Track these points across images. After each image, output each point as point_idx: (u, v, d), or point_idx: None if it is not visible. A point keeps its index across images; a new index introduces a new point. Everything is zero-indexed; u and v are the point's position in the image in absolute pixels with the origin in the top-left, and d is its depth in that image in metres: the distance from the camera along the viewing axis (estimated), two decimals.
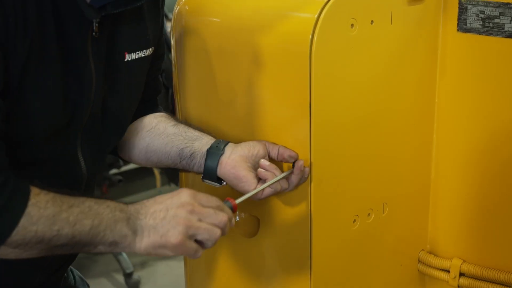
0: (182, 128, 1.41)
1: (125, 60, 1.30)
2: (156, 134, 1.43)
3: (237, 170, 1.28)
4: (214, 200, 1.16)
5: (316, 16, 1.22)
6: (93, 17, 1.20)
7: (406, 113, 1.43)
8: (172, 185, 3.52)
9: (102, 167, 1.42)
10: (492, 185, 1.46)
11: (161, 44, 1.43)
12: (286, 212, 1.36)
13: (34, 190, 1.07)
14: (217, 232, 1.13)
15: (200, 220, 1.12)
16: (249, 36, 1.34)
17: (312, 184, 1.29)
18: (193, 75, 1.49)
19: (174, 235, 1.09)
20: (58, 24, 1.16)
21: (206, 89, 1.46)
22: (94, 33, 1.22)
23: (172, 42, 1.53)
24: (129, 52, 1.30)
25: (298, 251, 1.35)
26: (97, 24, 1.22)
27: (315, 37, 1.21)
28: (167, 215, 1.11)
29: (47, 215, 1.06)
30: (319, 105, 1.25)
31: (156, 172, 3.64)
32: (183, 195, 1.13)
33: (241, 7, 1.39)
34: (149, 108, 1.49)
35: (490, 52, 1.38)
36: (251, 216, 1.44)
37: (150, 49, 1.36)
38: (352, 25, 1.26)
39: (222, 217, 1.14)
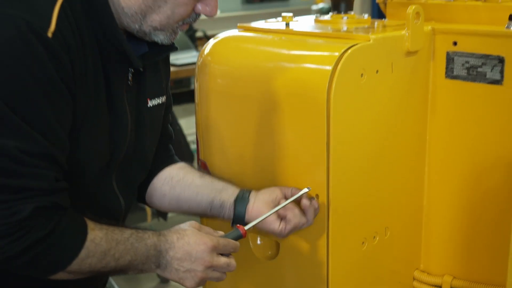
0: (208, 179, 1.62)
1: (148, 106, 1.50)
2: (186, 185, 1.62)
3: (262, 214, 1.49)
4: (229, 247, 1.39)
5: (332, 67, 1.43)
6: (139, 66, 1.40)
7: (405, 149, 1.66)
8: (161, 220, 3.68)
9: (134, 200, 1.61)
10: (476, 210, 1.69)
11: (169, 95, 1.63)
12: (304, 237, 1.55)
13: (90, 225, 1.27)
14: (225, 275, 1.40)
15: (214, 270, 1.37)
16: (269, 85, 1.54)
17: (330, 213, 1.49)
18: (216, 121, 1.68)
19: (190, 283, 1.37)
20: (106, 74, 1.35)
21: (229, 134, 1.66)
22: (129, 82, 1.42)
23: (196, 91, 1.72)
24: (151, 99, 1.51)
25: (315, 272, 1.55)
26: (131, 74, 1.41)
27: (333, 86, 1.43)
28: (189, 268, 1.35)
29: (100, 251, 1.27)
30: (336, 146, 1.46)
31: (147, 207, 3.80)
32: (206, 250, 1.35)
33: (262, 58, 1.60)
34: (171, 158, 1.69)
35: (474, 96, 1.62)
36: (272, 240, 1.63)
37: (164, 96, 1.57)
38: (362, 74, 1.49)
39: (232, 265, 1.39)
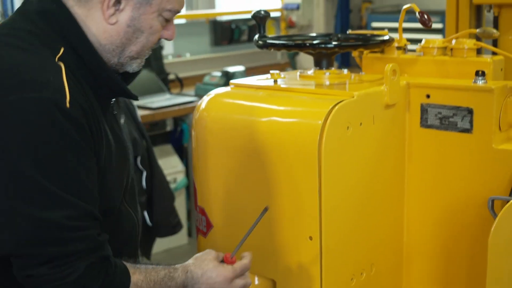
0: None
1: (121, 124, 1.65)
2: None
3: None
4: (245, 269, 1.57)
5: (322, 122, 1.60)
6: (136, 98, 1.56)
7: (386, 192, 1.82)
8: (145, 259, 3.78)
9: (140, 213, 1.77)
10: (451, 245, 1.86)
11: None
12: (300, 275, 1.70)
13: (131, 270, 1.44)
14: None
15: None
16: (263, 138, 1.70)
17: (322, 253, 1.64)
18: (213, 170, 1.83)
19: None
20: (104, 113, 1.49)
21: (226, 182, 1.80)
22: (113, 111, 1.57)
23: (193, 143, 1.87)
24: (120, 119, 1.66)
25: None
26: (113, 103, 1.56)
27: (323, 138, 1.59)
28: None
29: None
30: (327, 192, 1.62)
31: None
32: (226, 281, 1.54)
33: (255, 114, 1.75)
34: None
35: (447, 143, 1.80)
36: (268, 280, 1.77)
37: (123, 115, 1.72)
38: (348, 127, 1.65)
39: (248, 284, 1.57)
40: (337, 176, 1.65)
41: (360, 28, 6.37)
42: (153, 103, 4.22)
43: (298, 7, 5.94)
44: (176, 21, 4.57)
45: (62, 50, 1.39)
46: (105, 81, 1.46)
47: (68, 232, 1.33)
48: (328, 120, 1.60)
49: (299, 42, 1.94)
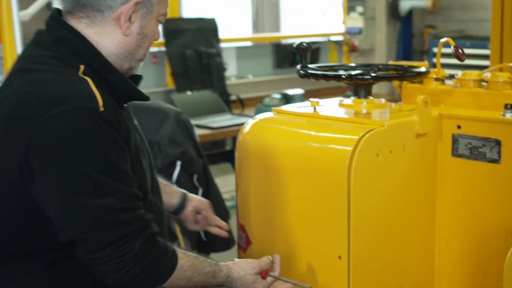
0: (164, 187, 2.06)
1: (135, 123, 1.85)
2: None
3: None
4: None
5: (352, 148, 1.71)
6: (148, 98, 1.76)
7: (417, 217, 1.92)
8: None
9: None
10: (480, 267, 1.93)
11: None
12: None
13: (180, 255, 1.68)
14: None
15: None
16: (299, 161, 1.83)
17: (350, 274, 1.75)
18: (253, 189, 1.96)
19: None
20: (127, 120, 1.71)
21: (264, 201, 1.94)
22: (125, 114, 1.75)
23: (236, 164, 2.01)
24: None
25: None
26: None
27: (353, 164, 1.71)
28: None
29: (186, 277, 1.68)
30: (356, 215, 1.73)
31: None
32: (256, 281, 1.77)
33: (293, 138, 1.88)
34: None
35: (476, 172, 1.88)
36: None
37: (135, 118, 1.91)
38: (377, 154, 1.76)
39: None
40: (367, 200, 1.76)
41: (422, 53, 6.43)
42: (214, 122, 4.40)
43: (360, 32, 6.05)
44: (242, 43, 4.87)
45: (82, 67, 1.61)
46: (121, 88, 1.68)
47: (122, 214, 1.56)
48: (358, 147, 1.71)
49: (337, 73, 2.05)
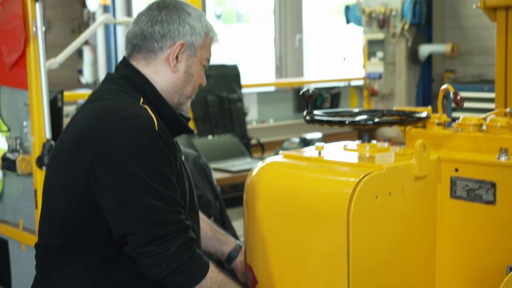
0: (216, 233, 2.36)
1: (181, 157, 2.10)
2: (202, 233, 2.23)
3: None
4: None
5: (351, 191, 1.80)
6: (193, 132, 2.12)
7: (416, 257, 1.99)
8: None
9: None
10: None
11: None
12: None
13: (212, 268, 1.90)
14: None
15: None
16: (301, 203, 1.92)
17: None
18: (259, 229, 2.05)
19: None
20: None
21: (269, 241, 2.03)
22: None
23: (244, 203, 2.11)
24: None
25: None
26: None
27: (352, 205, 1.79)
28: None
29: None
30: (355, 254, 1.81)
31: None
32: None
33: (296, 181, 1.98)
34: None
35: (473, 213, 1.95)
36: None
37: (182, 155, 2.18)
38: (376, 196, 1.85)
39: None
40: (366, 240, 1.84)
41: (442, 97, 6.50)
42: (234, 166, 4.51)
43: (380, 77, 6.17)
44: (265, 88, 5.11)
45: (141, 99, 1.96)
46: (171, 120, 1.99)
47: (167, 216, 1.84)
48: (357, 189, 1.80)
49: (340, 119, 2.15)
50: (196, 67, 2.03)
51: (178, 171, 1.94)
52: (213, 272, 1.90)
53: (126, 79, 1.99)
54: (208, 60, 2.08)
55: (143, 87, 1.98)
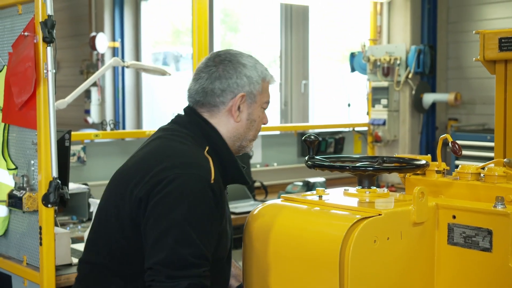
0: None
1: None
2: None
3: None
4: None
5: (344, 234, 1.84)
6: (249, 183, 2.23)
7: None
8: None
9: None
10: None
11: None
12: None
13: None
14: None
15: None
16: (297, 245, 1.96)
17: None
18: (256, 271, 2.09)
19: None
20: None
21: (265, 279, 2.06)
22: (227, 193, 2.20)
23: (243, 245, 2.16)
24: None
25: None
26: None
27: (351, 248, 1.83)
28: None
29: None
30: None
31: None
32: None
33: (293, 224, 2.03)
34: None
35: (470, 260, 1.99)
36: None
37: None
38: (374, 241, 1.89)
39: None
40: (364, 284, 1.87)
41: (446, 144, 6.56)
42: (237, 208, 4.55)
43: (384, 123, 6.23)
44: (270, 132, 5.27)
45: (207, 147, 2.11)
46: (231, 170, 2.14)
47: (188, 263, 1.93)
48: (356, 233, 1.84)
49: (341, 164, 2.20)
50: (257, 112, 2.21)
51: (223, 225, 2.10)
52: None
53: (196, 125, 2.16)
54: (268, 102, 2.25)
55: (212, 135, 2.15)
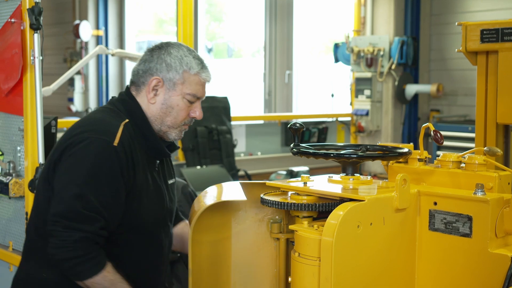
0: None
1: (169, 182, 2.42)
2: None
3: None
4: None
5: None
6: (168, 155, 2.42)
7: (395, 286, 2.06)
8: None
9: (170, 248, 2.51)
10: None
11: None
12: None
13: (108, 268, 2.16)
14: None
15: None
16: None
17: None
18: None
19: None
20: (149, 167, 2.30)
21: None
22: (157, 168, 2.36)
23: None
24: (169, 179, 2.49)
25: None
26: (157, 164, 2.36)
27: (335, 233, 1.87)
28: None
29: (103, 286, 2.16)
30: (337, 283, 1.88)
31: None
32: None
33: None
34: (179, 216, 2.71)
35: (450, 245, 2.04)
36: None
37: (174, 179, 2.49)
38: (358, 226, 1.93)
39: None
40: (348, 268, 1.92)
41: (428, 135, 6.64)
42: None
43: (367, 113, 6.29)
44: (254, 121, 5.36)
45: (127, 120, 2.30)
46: (151, 144, 2.33)
47: (81, 214, 2.14)
48: (340, 219, 1.88)
49: (326, 151, 2.24)
50: (176, 100, 2.35)
51: (138, 189, 2.25)
52: (109, 271, 2.17)
53: (122, 102, 2.38)
54: (192, 96, 2.36)
55: (134, 111, 2.36)
